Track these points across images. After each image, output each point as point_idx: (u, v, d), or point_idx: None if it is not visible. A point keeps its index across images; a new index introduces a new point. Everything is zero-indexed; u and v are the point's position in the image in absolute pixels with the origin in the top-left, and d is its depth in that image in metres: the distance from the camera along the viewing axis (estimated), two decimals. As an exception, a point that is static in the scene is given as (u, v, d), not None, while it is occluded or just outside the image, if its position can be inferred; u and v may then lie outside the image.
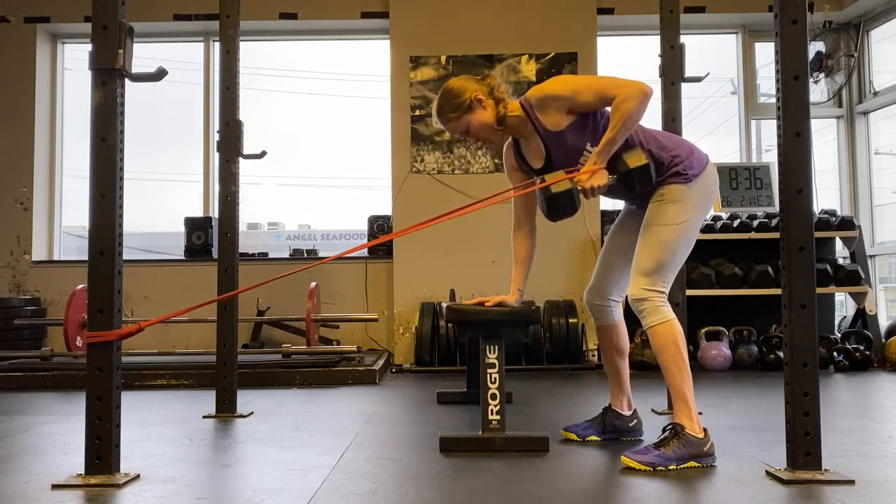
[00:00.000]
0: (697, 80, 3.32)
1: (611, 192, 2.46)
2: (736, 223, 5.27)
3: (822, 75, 5.90)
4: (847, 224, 5.20)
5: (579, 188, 2.36)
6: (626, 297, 2.46)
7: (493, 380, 2.49)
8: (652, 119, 3.51)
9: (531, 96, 2.45)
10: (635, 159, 2.37)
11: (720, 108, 6.65)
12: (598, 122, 2.43)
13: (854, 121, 5.99)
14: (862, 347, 4.89)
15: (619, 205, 3.71)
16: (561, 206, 2.37)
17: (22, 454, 2.54)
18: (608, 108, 2.40)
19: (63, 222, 6.09)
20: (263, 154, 3.44)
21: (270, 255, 5.90)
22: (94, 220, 2.14)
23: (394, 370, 5.08)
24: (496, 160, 5.53)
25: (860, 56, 5.88)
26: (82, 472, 2.10)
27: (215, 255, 3.75)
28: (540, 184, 2.39)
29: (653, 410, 3.20)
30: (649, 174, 2.37)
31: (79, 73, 6.14)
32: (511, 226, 2.70)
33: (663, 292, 2.36)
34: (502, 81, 2.56)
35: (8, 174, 5.76)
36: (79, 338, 4.67)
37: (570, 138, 2.43)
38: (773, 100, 2.95)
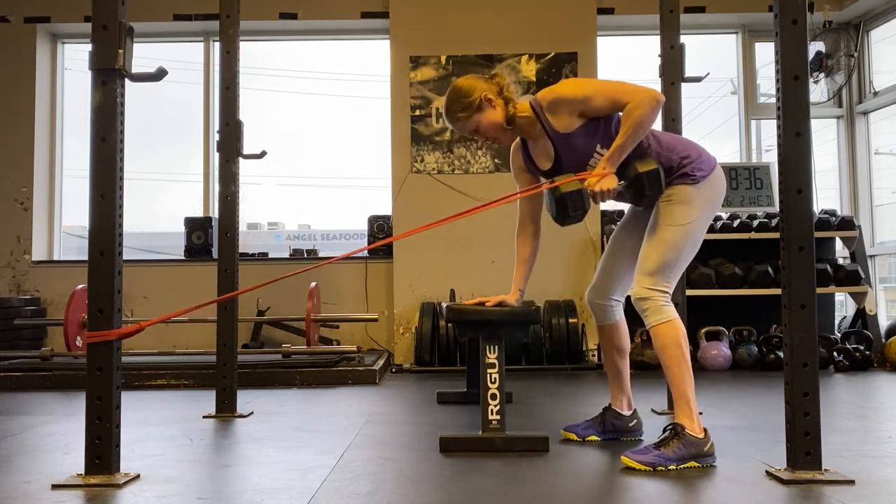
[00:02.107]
0: (697, 80, 3.32)
1: (619, 197, 2.45)
2: (736, 223, 5.27)
3: (822, 75, 5.90)
4: (847, 224, 5.20)
5: (589, 191, 2.36)
6: (629, 296, 2.46)
7: (493, 380, 2.49)
8: (652, 119, 3.51)
9: (542, 98, 2.45)
10: (646, 165, 2.36)
11: (720, 108, 6.65)
12: (609, 126, 2.42)
13: (854, 121, 5.99)
14: (862, 347, 4.89)
15: (619, 205, 3.72)
16: (570, 206, 2.35)
17: (22, 454, 2.54)
18: (615, 122, 2.41)
19: (63, 222, 6.09)
20: (263, 154, 3.44)
21: (270, 255, 5.90)
22: (94, 220, 2.14)
23: (394, 370, 5.08)
24: (496, 160, 5.53)
25: (860, 56, 5.88)
26: (82, 472, 2.10)
27: (215, 255, 3.75)
28: (549, 184, 2.38)
29: (653, 410, 3.20)
30: (659, 180, 2.36)
31: (79, 73, 6.14)
32: (514, 226, 2.70)
33: (666, 292, 2.36)
34: (511, 81, 2.56)
35: (8, 174, 5.76)
36: (79, 338, 4.67)
37: (580, 141, 2.42)
38: (773, 100, 2.95)
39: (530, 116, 2.48)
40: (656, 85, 3.39)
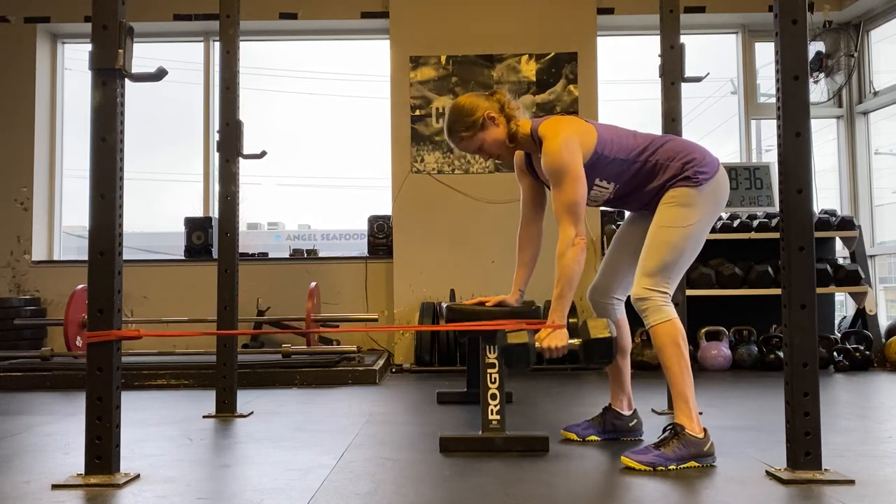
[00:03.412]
0: (697, 80, 3.32)
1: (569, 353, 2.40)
2: (736, 223, 5.27)
3: (822, 75, 5.90)
4: (847, 224, 5.20)
5: (537, 346, 2.34)
6: (630, 296, 2.46)
7: (493, 380, 2.49)
8: (652, 119, 3.52)
9: (542, 135, 2.43)
10: (600, 330, 2.31)
11: (720, 108, 6.65)
12: (609, 160, 2.42)
13: (854, 121, 5.99)
14: (862, 347, 4.89)
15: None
16: (514, 358, 2.32)
17: (22, 454, 2.54)
18: (618, 154, 2.41)
19: (63, 222, 6.09)
20: (263, 154, 3.44)
21: (270, 255, 5.91)
22: (94, 220, 2.14)
23: (394, 370, 5.08)
24: (496, 160, 5.52)
25: (860, 56, 5.88)
26: (82, 472, 2.10)
27: (215, 255, 3.75)
28: (501, 334, 2.35)
29: (653, 410, 3.20)
30: (610, 350, 2.30)
31: (79, 73, 6.14)
32: (514, 226, 2.70)
33: (666, 293, 2.36)
34: (511, 98, 2.56)
35: (8, 174, 5.76)
36: (79, 338, 4.67)
37: None
38: (773, 100, 2.95)
39: (529, 140, 2.50)
40: (656, 85, 3.40)
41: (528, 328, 2.34)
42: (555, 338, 2.35)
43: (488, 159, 2.62)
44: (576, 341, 2.35)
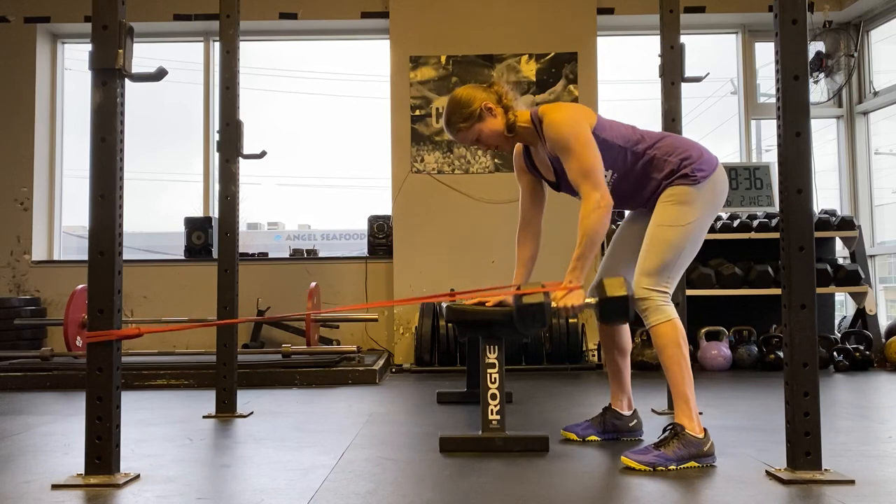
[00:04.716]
0: (697, 80, 3.32)
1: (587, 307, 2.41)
2: (736, 223, 5.27)
3: (822, 75, 5.90)
4: (847, 224, 5.20)
5: (553, 305, 2.35)
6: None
7: (493, 380, 2.49)
8: (652, 119, 3.52)
9: (543, 113, 2.44)
10: (616, 288, 2.32)
11: (720, 108, 6.65)
12: (612, 152, 2.42)
13: (854, 121, 5.99)
14: (862, 347, 4.89)
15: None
16: (529, 318, 2.33)
17: (22, 454, 2.54)
18: (616, 140, 2.41)
19: (63, 222, 6.09)
20: (263, 154, 3.44)
21: (270, 255, 5.91)
22: (94, 220, 2.14)
23: (394, 370, 5.08)
24: (496, 160, 5.53)
25: (860, 56, 5.88)
26: (82, 472, 2.10)
27: (215, 255, 3.75)
28: (516, 293, 2.37)
29: (653, 410, 3.20)
30: (626, 308, 2.31)
31: (79, 73, 6.14)
32: (514, 226, 2.70)
33: (666, 292, 2.36)
34: (509, 88, 2.56)
35: (8, 174, 5.76)
36: (79, 338, 4.67)
37: None
38: (773, 100, 2.95)
39: (530, 127, 2.49)
40: (656, 85, 3.40)
41: (545, 290, 2.34)
42: (571, 297, 2.35)
43: (487, 151, 2.63)
44: (592, 300, 2.36)
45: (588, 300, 2.38)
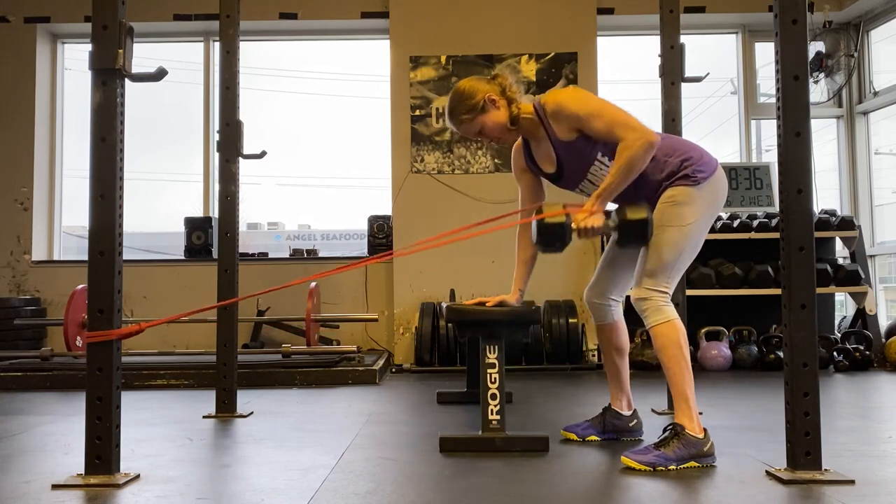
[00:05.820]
0: (697, 80, 3.32)
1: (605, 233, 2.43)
2: (736, 223, 5.27)
3: (822, 75, 5.90)
4: (847, 224, 5.20)
5: (573, 226, 2.35)
6: (628, 296, 2.46)
7: (493, 380, 2.49)
8: (652, 119, 3.51)
9: (546, 103, 2.44)
10: (636, 212, 2.32)
11: (720, 108, 6.64)
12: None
13: (854, 121, 5.99)
14: (862, 347, 4.89)
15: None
16: (550, 237, 2.33)
17: (22, 454, 2.54)
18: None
19: (63, 222, 6.09)
20: (263, 154, 3.44)
21: (270, 255, 5.91)
22: (94, 220, 2.14)
23: (394, 370, 5.08)
24: (496, 160, 5.53)
25: (860, 56, 5.88)
26: (82, 472, 2.10)
27: (215, 255, 3.75)
28: (537, 214, 2.37)
29: (653, 410, 3.20)
30: (646, 230, 2.32)
31: (79, 73, 6.14)
32: (514, 227, 2.70)
33: (666, 292, 2.36)
34: (513, 80, 2.55)
35: (8, 174, 5.76)
36: (79, 338, 4.67)
37: (581, 150, 2.42)
38: (773, 100, 2.95)
39: (533, 118, 2.48)
40: (656, 85, 3.40)
41: (567, 211, 2.33)
42: (591, 219, 2.33)
43: (489, 143, 2.62)
44: (611, 222, 2.35)
45: (608, 221, 2.36)
